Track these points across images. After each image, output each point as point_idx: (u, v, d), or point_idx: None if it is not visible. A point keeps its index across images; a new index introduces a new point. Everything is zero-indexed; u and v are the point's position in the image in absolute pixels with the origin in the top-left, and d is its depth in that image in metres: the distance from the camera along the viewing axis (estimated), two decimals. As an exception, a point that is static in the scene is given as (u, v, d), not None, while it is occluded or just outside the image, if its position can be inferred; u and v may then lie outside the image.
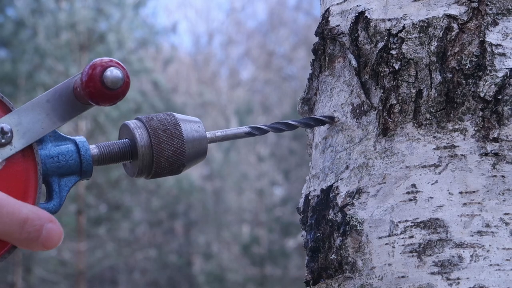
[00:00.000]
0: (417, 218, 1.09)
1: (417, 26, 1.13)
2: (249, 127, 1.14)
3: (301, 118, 1.21)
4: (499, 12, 1.12)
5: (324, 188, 1.18)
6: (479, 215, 1.08)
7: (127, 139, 1.04)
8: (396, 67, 1.13)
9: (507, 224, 1.07)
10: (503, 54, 1.11)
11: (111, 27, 13.51)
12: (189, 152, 1.05)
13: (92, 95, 0.95)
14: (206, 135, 1.07)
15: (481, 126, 1.10)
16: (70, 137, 1.00)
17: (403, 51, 1.13)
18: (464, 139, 1.10)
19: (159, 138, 1.03)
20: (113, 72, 0.94)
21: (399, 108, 1.13)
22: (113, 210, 14.52)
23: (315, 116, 1.19)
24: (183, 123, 1.05)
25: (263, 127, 1.14)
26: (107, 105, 0.96)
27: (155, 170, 1.04)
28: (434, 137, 1.11)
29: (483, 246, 1.07)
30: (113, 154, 1.03)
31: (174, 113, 1.06)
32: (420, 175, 1.11)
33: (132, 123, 1.05)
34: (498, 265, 1.06)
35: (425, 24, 1.13)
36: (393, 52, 1.14)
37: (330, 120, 1.18)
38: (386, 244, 1.10)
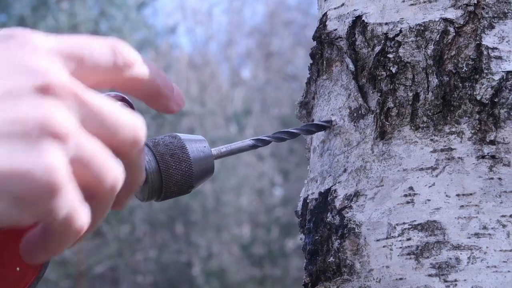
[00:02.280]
0: (415, 221, 1.10)
1: (413, 30, 1.14)
2: (252, 139, 1.15)
3: (302, 125, 1.21)
4: (495, 15, 1.12)
5: (322, 191, 1.18)
6: (476, 217, 1.08)
7: None
8: (393, 71, 1.13)
9: (504, 226, 1.08)
10: (500, 57, 1.11)
11: (113, 28, 13.49)
12: (197, 173, 1.05)
13: None
14: (212, 152, 1.08)
15: (477, 129, 1.10)
16: None
17: (400, 54, 1.13)
18: (461, 141, 1.10)
19: (167, 164, 1.04)
20: None
21: (396, 111, 1.13)
22: (114, 210, 14.49)
23: (316, 122, 1.19)
24: (188, 144, 1.05)
25: (266, 138, 1.15)
26: None
27: (165, 194, 1.05)
28: (431, 140, 1.11)
29: (480, 248, 1.07)
30: None
31: (178, 134, 1.06)
32: (418, 177, 1.11)
33: None
34: (495, 267, 1.07)
35: (422, 28, 1.13)
36: (390, 55, 1.14)
37: (331, 125, 1.19)
38: (384, 246, 1.11)
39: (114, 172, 0.69)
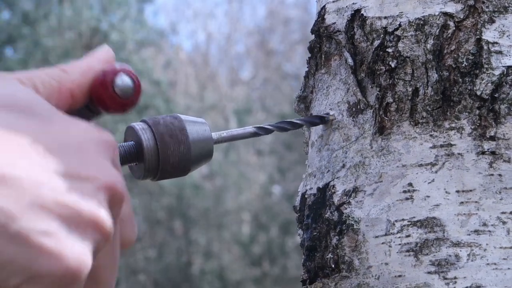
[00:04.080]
0: (414, 217, 1.09)
1: (413, 24, 1.13)
2: (254, 127, 1.14)
3: (307, 116, 1.21)
4: (496, 9, 1.12)
5: (321, 186, 1.17)
6: (476, 214, 1.08)
7: (132, 142, 1.04)
8: (393, 65, 1.13)
9: (504, 223, 1.07)
10: (500, 52, 1.11)
11: (114, 26, 13.51)
12: (195, 156, 1.05)
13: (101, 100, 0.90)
14: (212, 136, 1.07)
15: (477, 124, 1.10)
16: None
17: (399, 49, 1.13)
18: (460, 137, 1.10)
19: (166, 144, 1.03)
20: (123, 80, 0.89)
21: (396, 106, 1.13)
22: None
23: (320, 114, 1.19)
24: (189, 126, 1.04)
25: (268, 126, 1.14)
26: (117, 113, 0.90)
27: (161, 174, 1.04)
28: (431, 135, 1.11)
29: (480, 245, 1.07)
30: (119, 157, 1.02)
31: (180, 115, 1.05)
32: (417, 173, 1.10)
33: (138, 125, 1.04)
34: (495, 264, 1.06)
35: (421, 22, 1.13)
36: (389, 50, 1.13)
37: (334, 118, 1.18)
38: (382, 243, 1.10)
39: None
